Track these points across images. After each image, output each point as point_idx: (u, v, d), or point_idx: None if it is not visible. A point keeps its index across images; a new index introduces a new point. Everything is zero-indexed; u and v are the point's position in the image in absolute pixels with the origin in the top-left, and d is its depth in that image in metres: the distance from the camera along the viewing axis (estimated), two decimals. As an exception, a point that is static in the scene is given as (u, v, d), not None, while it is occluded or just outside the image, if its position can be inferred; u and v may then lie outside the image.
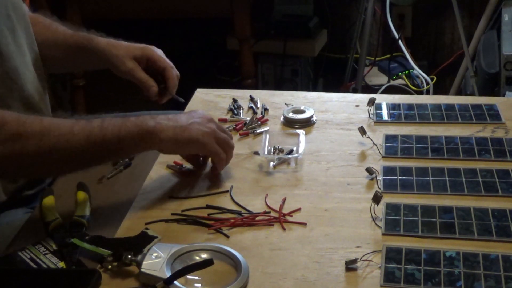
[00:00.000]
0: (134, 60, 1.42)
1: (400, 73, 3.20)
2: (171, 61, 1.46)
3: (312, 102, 1.61)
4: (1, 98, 1.29)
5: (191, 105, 1.60)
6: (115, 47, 1.43)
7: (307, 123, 1.51)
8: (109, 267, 1.07)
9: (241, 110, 1.58)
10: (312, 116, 1.52)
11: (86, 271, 1.07)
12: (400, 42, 3.17)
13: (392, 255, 1.08)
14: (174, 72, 1.43)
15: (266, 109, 1.57)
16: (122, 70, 1.42)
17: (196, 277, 1.04)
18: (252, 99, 1.62)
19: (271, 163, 1.36)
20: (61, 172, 1.27)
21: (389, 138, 1.44)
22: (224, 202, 1.25)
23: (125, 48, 1.43)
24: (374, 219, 1.18)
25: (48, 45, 1.49)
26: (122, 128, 1.18)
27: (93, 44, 1.44)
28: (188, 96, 1.62)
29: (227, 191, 1.28)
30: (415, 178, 1.30)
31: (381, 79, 3.23)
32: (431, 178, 1.29)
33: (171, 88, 1.43)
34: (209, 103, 1.61)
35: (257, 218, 1.20)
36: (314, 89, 3.23)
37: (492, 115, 1.51)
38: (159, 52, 1.45)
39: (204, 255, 1.08)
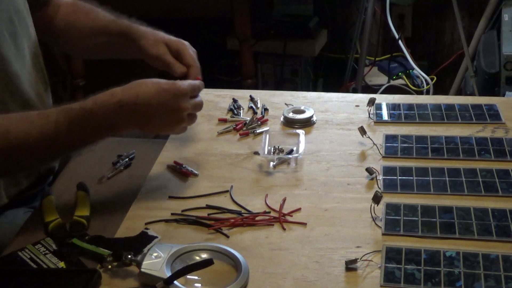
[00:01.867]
0: (166, 46, 1.40)
1: (400, 73, 3.21)
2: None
3: (312, 102, 1.61)
4: (2, 102, 1.30)
5: (191, 105, 1.60)
6: (152, 33, 1.42)
7: (307, 123, 1.51)
8: (109, 267, 1.06)
9: (241, 110, 1.57)
10: (312, 116, 1.52)
11: (86, 271, 1.07)
12: (400, 42, 3.18)
13: (392, 255, 1.08)
14: (196, 72, 1.38)
15: (266, 109, 1.57)
16: (152, 53, 1.40)
17: (196, 277, 1.04)
18: (252, 99, 1.61)
19: (271, 163, 1.36)
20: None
21: (389, 138, 1.44)
22: (224, 202, 1.25)
23: (155, 35, 1.42)
24: (374, 219, 1.18)
25: (87, 33, 1.49)
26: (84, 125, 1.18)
27: (133, 31, 1.44)
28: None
29: (227, 191, 1.28)
30: (415, 178, 1.30)
31: (381, 79, 3.23)
32: (431, 178, 1.29)
33: None
34: (209, 103, 1.61)
35: (257, 218, 1.20)
36: (314, 89, 3.23)
37: (492, 115, 1.51)
38: (192, 50, 1.41)
39: (204, 255, 1.08)
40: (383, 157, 1.38)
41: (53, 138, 1.16)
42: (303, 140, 1.39)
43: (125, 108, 1.18)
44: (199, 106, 1.27)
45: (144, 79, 1.22)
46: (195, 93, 1.26)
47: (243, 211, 1.22)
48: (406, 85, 3.18)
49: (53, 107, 1.19)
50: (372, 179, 1.29)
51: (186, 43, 1.43)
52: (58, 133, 1.16)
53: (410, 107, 1.56)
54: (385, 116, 1.53)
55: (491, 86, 2.67)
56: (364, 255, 1.08)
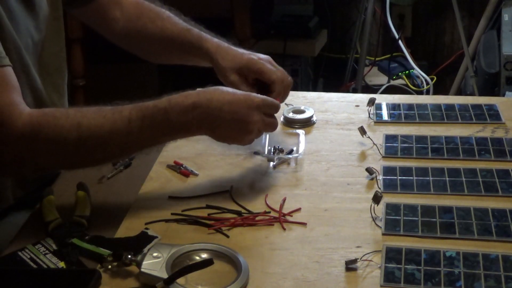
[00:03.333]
0: (239, 73, 1.39)
1: (400, 73, 3.20)
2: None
3: (312, 102, 1.61)
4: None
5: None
6: (223, 58, 1.41)
7: (307, 123, 1.51)
8: (109, 267, 1.06)
9: (241, 110, 1.57)
10: (312, 116, 1.52)
11: (86, 271, 1.07)
12: (400, 42, 3.18)
13: (392, 255, 1.08)
14: (280, 87, 1.38)
15: (266, 109, 1.57)
16: (225, 81, 1.40)
17: (196, 277, 1.04)
18: (252, 99, 1.61)
19: (271, 163, 1.36)
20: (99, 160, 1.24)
21: (389, 138, 1.44)
22: (224, 202, 1.25)
23: (231, 60, 1.40)
24: (374, 219, 1.18)
25: (154, 41, 1.49)
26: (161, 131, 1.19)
27: (203, 48, 1.43)
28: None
29: (227, 191, 1.28)
30: (415, 178, 1.30)
31: (381, 79, 3.23)
32: (431, 178, 1.29)
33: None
34: (209, 103, 1.61)
35: (257, 218, 1.20)
36: (314, 89, 3.23)
37: (492, 115, 1.51)
38: (267, 63, 1.39)
39: (204, 255, 1.08)
40: (383, 157, 1.38)
41: (125, 133, 1.16)
42: (303, 140, 1.40)
43: (197, 110, 1.18)
44: (272, 126, 1.26)
45: (220, 86, 1.24)
46: (269, 111, 1.25)
47: (243, 211, 1.22)
48: (406, 85, 3.18)
49: (127, 104, 1.19)
50: (372, 179, 1.29)
51: (265, 58, 1.40)
52: (130, 128, 1.16)
53: (410, 107, 1.56)
54: (385, 116, 1.53)
55: (491, 86, 2.67)
56: (364, 255, 1.08)
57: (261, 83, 1.38)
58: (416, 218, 1.17)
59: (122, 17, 1.50)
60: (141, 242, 1.12)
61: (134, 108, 1.17)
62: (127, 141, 1.18)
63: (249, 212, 1.22)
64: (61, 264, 1.10)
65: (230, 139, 1.25)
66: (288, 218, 1.20)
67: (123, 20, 1.50)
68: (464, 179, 1.28)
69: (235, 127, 1.21)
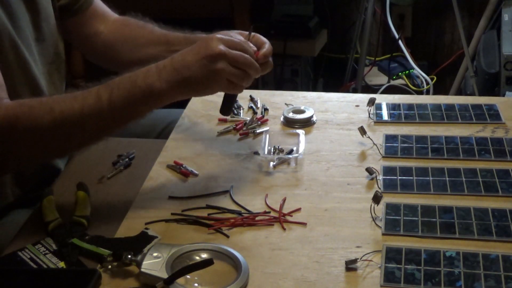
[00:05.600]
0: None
1: (400, 73, 3.20)
2: None
3: (312, 102, 1.61)
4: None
5: (191, 104, 1.60)
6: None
7: (307, 123, 1.51)
8: (109, 267, 1.07)
9: (241, 110, 1.57)
10: (312, 116, 1.52)
11: (86, 271, 1.07)
12: (400, 42, 3.18)
13: (392, 255, 1.08)
14: (268, 51, 1.37)
15: (266, 109, 1.57)
16: None
17: (196, 277, 1.04)
18: (252, 99, 1.62)
19: (271, 163, 1.36)
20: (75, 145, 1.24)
21: (389, 138, 1.44)
22: (224, 202, 1.25)
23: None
24: (374, 219, 1.18)
25: (143, 43, 1.49)
26: (130, 96, 1.18)
27: (198, 37, 1.42)
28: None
29: (227, 191, 1.28)
30: (415, 178, 1.30)
31: (381, 79, 3.23)
32: (431, 178, 1.29)
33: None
34: (209, 103, 1.61)
35: (257, 218, 1.20)
36: (314, 89, 3.23)
37: (492, 115, 1.51)
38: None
39: (204, 255, 1.08)
40: (383, 157, 1.38)
41: (97, 109, 1.16)
42: (303, 140, 1.40)
43: (164, 70, 1.18)
44: (240, 59, 1.21)
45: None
46: (236, 46, 1.22)
47: (243, 211, 1.22)
48: (406, 85, 3.18)
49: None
50: (372, 179, 1.29)
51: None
52: (101, 104, 1.16)
53: (410, 107, 1.56)
54: (385, 116, 1.53)
55: (491, 86, 2.67)
56: (364, 255, 1.08)
57: None
58: (416, 218, 1.18)
59: (106, 29, 1.52)
60: (141, 242, 1.12)
61: (102, 85, 1.18)
62: (100, 118, 1.17)
63: (249, 212, 1.22)
64: (61, 264, 1.10)
65: (204, 85, 1.21)
66: (288, 218, 1.20)
67: (107, 32, 1.52)
68: (464, 179, 1.28)
69: (202, 69, 1.18)
